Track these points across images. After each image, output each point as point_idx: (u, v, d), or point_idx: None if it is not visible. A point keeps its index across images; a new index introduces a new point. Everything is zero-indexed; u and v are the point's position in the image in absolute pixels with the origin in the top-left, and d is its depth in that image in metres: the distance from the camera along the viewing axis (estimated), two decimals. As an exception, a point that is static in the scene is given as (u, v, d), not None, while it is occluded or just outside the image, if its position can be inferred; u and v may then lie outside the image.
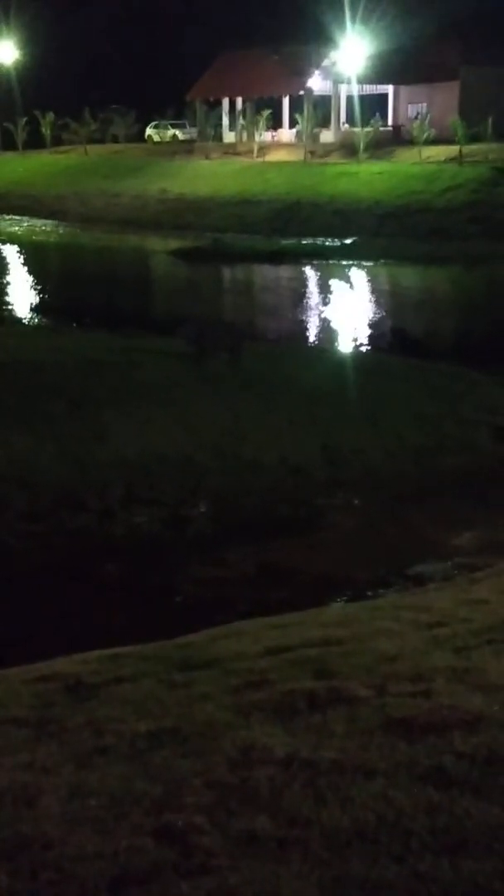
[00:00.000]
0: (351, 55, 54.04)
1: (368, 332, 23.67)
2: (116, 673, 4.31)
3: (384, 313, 26.59)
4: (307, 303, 28.70)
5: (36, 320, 24.75)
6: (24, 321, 24.27)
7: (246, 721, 3.50)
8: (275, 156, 54.24)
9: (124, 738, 3.45)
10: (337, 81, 55.79)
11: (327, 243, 40.76)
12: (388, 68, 54.13)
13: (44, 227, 49.91)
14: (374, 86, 55.17)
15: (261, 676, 3.97)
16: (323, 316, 26.23)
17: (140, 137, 63.80)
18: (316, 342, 22.77)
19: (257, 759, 3.17)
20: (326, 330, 24.17)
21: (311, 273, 34.82)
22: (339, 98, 56.34)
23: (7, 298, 29.02)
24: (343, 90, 56.09)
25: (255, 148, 54.64)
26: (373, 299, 29.45)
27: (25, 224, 51.22)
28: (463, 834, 2.69)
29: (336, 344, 22.39)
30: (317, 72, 56.36)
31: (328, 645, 4.42)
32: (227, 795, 2.96)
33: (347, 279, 32.99)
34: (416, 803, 2.85)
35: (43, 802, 2.97)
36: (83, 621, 8.68)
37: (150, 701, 3.83)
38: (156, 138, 64.18)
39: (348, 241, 40.44)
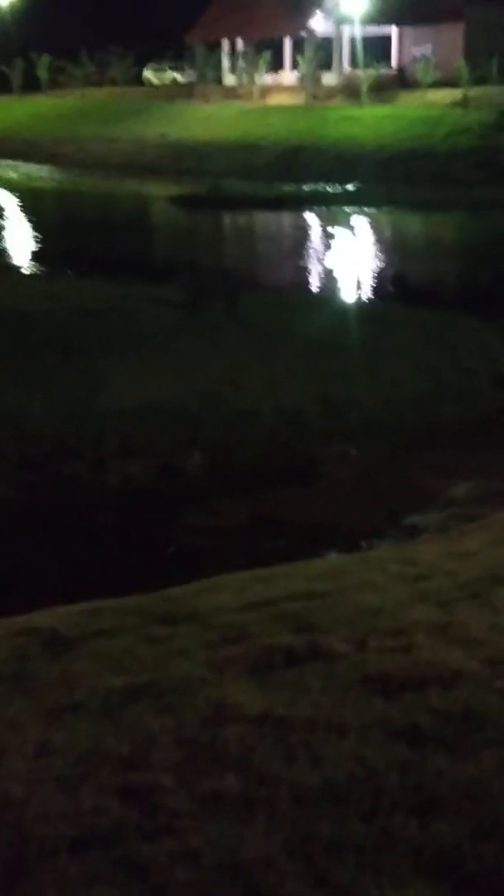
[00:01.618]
0: (354, -5, 52.95)
1: (369, 280, 23.41)
2: (96, 627, 4.26)
3: (386, 261, 26.29)
4: (307, 250, 28.38)
5: (31, 268, 24.50)
6: (19, 268, 24.02)
7: (220, 677, 3.44)
8: (276, 99, 53.37)
9: (97, 694, 3.40)
10: (339, 22, 54.69)
11: (329, 189, 40.24)
12: (391, 8, 53.02)
13: (41, 173, 49.30)
14: (378, 27, 54.07)
15: (240, 631, 3.91)
16: (323, 264, 25.95)
17: (138, 80, 62.73)
18: (316, 291, 22.53)
19: (230, 716, 3.11)
20: (327, 278, 23.92)
21: (312, 219, 34.41)
22: (341, 39, 55.27)
23: (2, 245, 28.72)
24: (346, 31, 55.00)
25: (256, 91, 53.75)
26: (375, 247, 29.11)
27: (22, 169, 50.57)
28: (434, 793, 2.63)
29: (336, 292, 22.16)
30: (319, 12, 55.22)
31: (311, 598, 4.36)
32: (197, 754, 2.91)
33: (349, 226, 32.60)
34: (388, 762, 2.79)
35: (7, 760, 2.92)
36: (73, 572, 8.65)
37: (127, 656, 3.77)
38: (154, 81, 63.09)
39: (351, 187, 39.93)
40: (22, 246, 28.45)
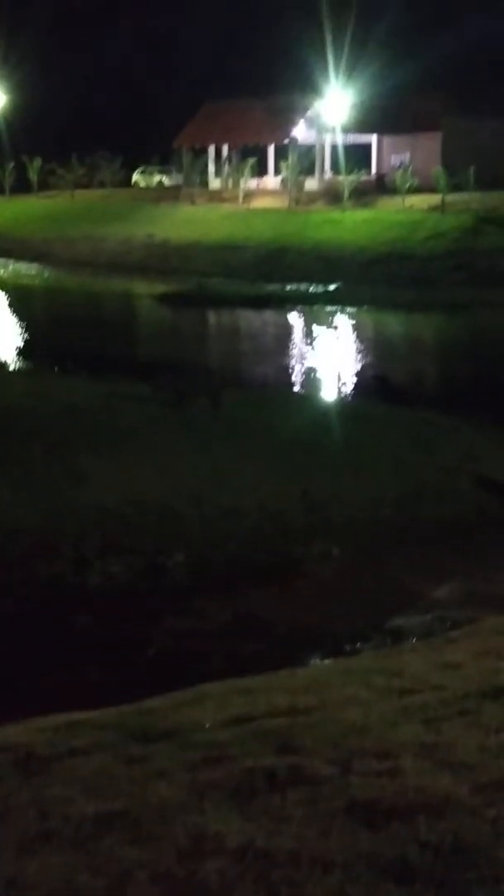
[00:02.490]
0: (335, 105, 54.75)
1: (351, 378, 23.64)
2: (71, 744, 4.10)
3: (367, 360, 26.59)
4: (290, 348, 28.70)
5: (18, 364, 24.62)
6: (5, 365, 24.13)
7: (200, 803, 3.29)
8: (260, 203, 54.66)
9: (70, 822, 3.24)
10: (321, 130, 56.45)
11: (311, 289, 40.94)
12: (371, 118, 54.86)
13: (30, 271, 50.01)
14: (358, 135, 55.82)
15: (221, 751, 3.76)
16: (306, 362, 26.21)
17: (127, 183, 64.25)
18: (298, 388, 22.70)
19: (209, 848, 2.97)
20: (309, 376, 24.13)
21: (295, 319, 34.90)
22: (323, 147, 56.96)
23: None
24: (327, 139, 56.73)
25: (241, 195, 55.06)
26: (356, 345, 29.48)
27: (11, 267, 51.31)
28: (424, 939, 2.49)
29: (318, 390, 22.33)
30: (302, 121, 57.04)
31: (294, 714, 4.22)
32: (174, 891, 2.76)
33: (331, 325, 33.06)
34: (375, 902, 2.65)
35: (-26, 899, 2.76)
36: (51, 677, 8.44)
37: (102, 778, 3.62)
38: (142, 184, 64.66)
39: (332, 287, 40.65)
40: (9, 342, 28.65)
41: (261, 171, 57.78)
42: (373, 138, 56.88)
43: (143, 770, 3.66)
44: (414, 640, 8.33)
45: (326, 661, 8.28)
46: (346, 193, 50.22)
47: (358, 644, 9.11)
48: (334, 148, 55.38)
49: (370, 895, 2.68)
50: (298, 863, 2.84)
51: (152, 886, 2.79)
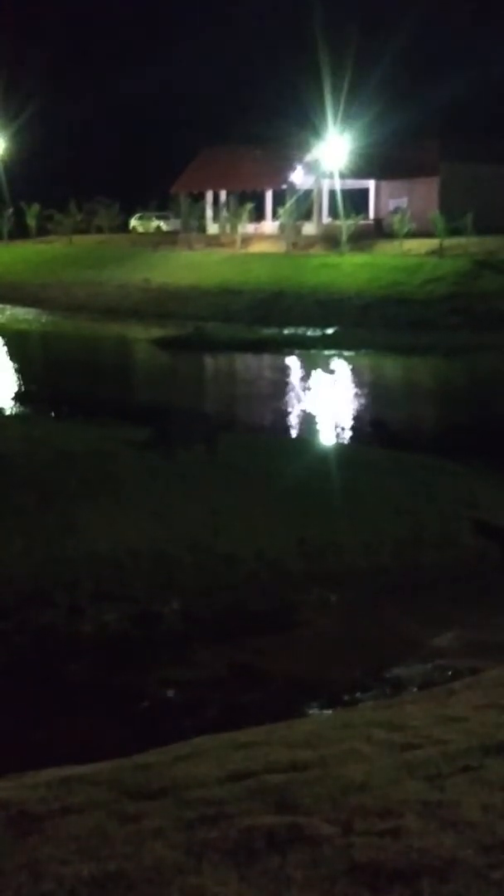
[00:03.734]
0: (333, 151, 55.39)
1: (348, 423, 23.64)
2: (64, 802, 3.99)
3: (364, 404, 26.62)
4: (288, 393, 28.74)
5: (13, 409, 24.61)
6: (1, 410, 24.12)
7: (198, 864, 3.19)
8: (257, 247, 55.10)
9: (65, 885, 3.14)
10: (319, 176, 57.05)
11: (309, 333, 41.12)
12: (369, 163, 55.50)
13: (27, 316, 50.24)
14: (356, 180, 56.43)
15: (218, 809, 3.66)
16: (303, 406, 26.23)
17: (124, 228, 64.82)
18: (295, 433, 22.68)
19: (206, 913, 2.87)
20: (306, 421, 24.12)
21: (292, 363, 35.00)
22: (321, 192, 57.55)
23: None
24: (325, 184, 57.33)
25: (238, 239, 55.51)
26: (353, 390, 29.53)
27: (8, 312, 51.56)
28: None
29: (315, 435, 22.30)
30: (299, 166, 57.65)
31: (293, 770, 4.12)
32: None
33: (328, 369, 33.15)
34: None
35: None
36: (43, 728, 8.30)
37: (97, 837, 3.52)
38: (140, 229, 65.22)
39: (330, 331, 40.84)
40: (6, 387, 28.67)
41: (258, 216, 58.32)
42: (370, 183, 57.51)
43: (139, 829, 3.56)
44: (414, 690, 8.22)
45: (325, 713, 8.15)
46: (344, 237, 50.64)
47: (357, 694, 8.99)
48: (332, 192, 55.96)
49: None
50: (299, 930, 2.74)
51: None
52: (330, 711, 8.08)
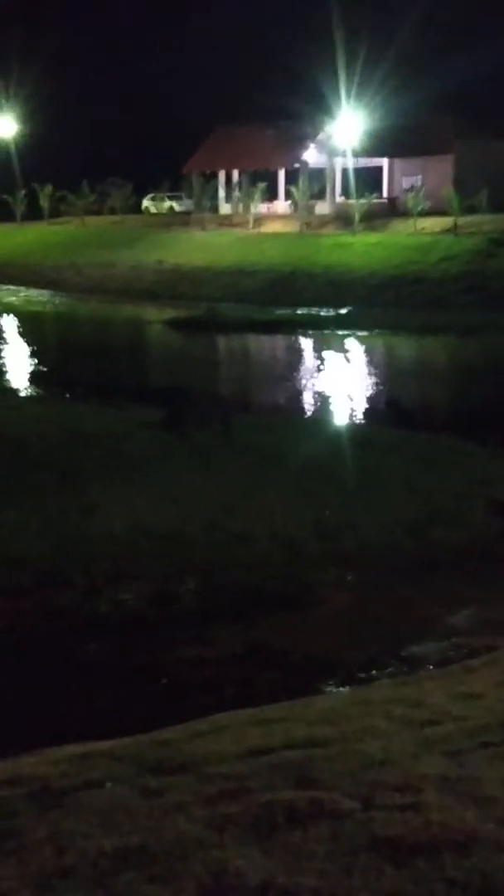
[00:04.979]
0: (346, 129, 55.03)
1: (362, 403, 23.59)
2: (86, 776, 4.03)
3: (378, 384, 26.56)
4: (301, 374, 28.69)
5: (28, 391, 24.66)
6: (16, 392, 24.18)
7: (220, 838, 3.22)
8: (270, 227, 54.88)
9: (88, 858, 3.17)
10: (332, 155, 56.72)
11: (322, 313, 41.00)
12: (382, 142, 55.12)
13: (41, 297, 50.23)
14: (369, 158, 56.09)
15: (239, 784, 3.69)
16: (317, 387, 26.18)
17: (137, 209, 64.63)
18: (309, 414, 22.66)
19: (229, 885, 2.89)
20: (320, 401, 24.09)
21: (305, 343, 34.92)
22: (334, 171, 57.23)
23: (1, 369, 28.98)
24: (338, 163, 57.00)
25: (251, 219, 55.30)
26: (367, 370, 29.45)
27: (22, 294, 51.57)
28: None
29: (329, 416, 22.27)
30: (312, 145, 57.33)
31: (313, 746, 4.15)
32: (195, 931, 2.69)
33: (342, 349, 33.07)
34: (401, 944, 2.57)
35: (-10, 940, 2.69)
36: (63, 707, 8.36)
37: (119, 812, 3.55)
38: (152, 210, 65.04)
39: (343, 311, 40.69)
40: (20, 369, 28.73)
41: (271, 195, 58.06)
42: (384, 161, 57.14)
43: (161, 803, 3.60)
44: (431, 668, 8.24)
45: (343, 691, 8.18)
46: (357, 217, 50.37)
47: (373, 672, 9.01)
48: (345, 171, 55.63)
49: (396, 937, 2.60)
50: (321, 902, 2.77)
51: (172, 926, 2.72)
52: (347, 689, 8.11)
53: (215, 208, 60.09)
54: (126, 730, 5.78)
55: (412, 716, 4.55)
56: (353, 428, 19.81)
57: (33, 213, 65.00)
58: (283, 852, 3.11)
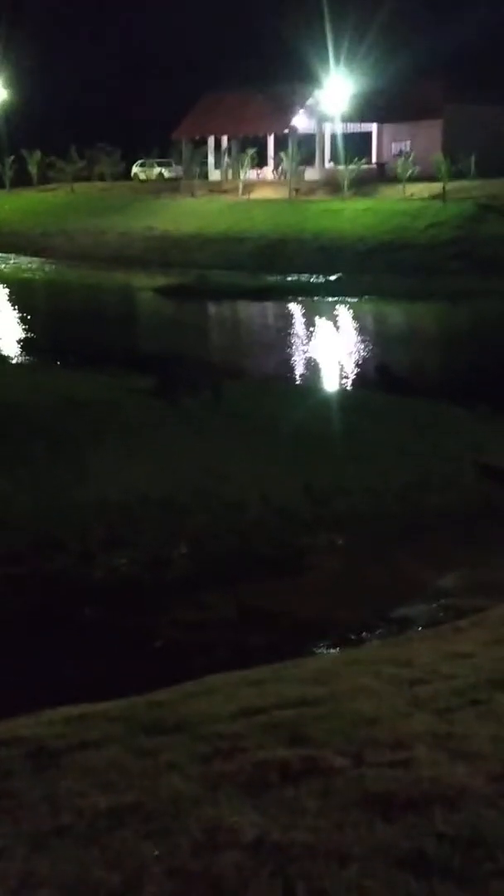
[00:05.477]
0: (335, 94, 54.59)
1: (353, 369, 23.59)
2: (82, 737, 4.08)
3: (369, 350, 26.54)
4: (291, 340, 28.64)
5: (19, 358, 24.59)
6: (7, 360, 24.10)
7: (214, 796, 3.27)
8: (260, 193, 54.53)
9: (84, 816, 3.22)
10: (321, 120, 56.30)
11: (312, 280, 40.87)
12: (371, 107, 54.72)
13: (30, 265, 49.92)
14: (358, 124, 55.69)
15: (232, 743, 3.74)
16: (307, 353, 26.16)
17: (126, 176, 64.13)
18: (300, 380, 22.66)
19: (224, 841, 2.95)
20: (311, 367, 24.08)
21: (295, 310, 34.83)
22: (323, 136, 56.82)
23: (-9, 336, 28.88)
24: (327, 128, 56.59)
25: (241, 186, 54.93)
26: (357, 336, 29.41)
27: (12, 262, 51.24)
28: (443, 931, 2.47)
29: (320, 382, 22.28)
30: (301, 111, 56.88)
31: (305, 706, 4.20)
32: (190, 886, 2.74)
33: (332, 316, 33.00)
34: (393, 895, 2.63)
35: (-11, 894, 2.74)
36: (58, 670, 8.43)
37: (114, 771, 3.60)
38: (142, 176, 64.54)
39: (333, 278, 40.56)
40: (11, 337, 28.61)
41: (261, 161, 57.65)
42: (373, 127, 56.74)
43: (155, 762, 3.65)
44: (420, 630, 8.32)
45: (334, 652, 8.27)
46: (346, 183, 50.08)
47: (364, 634, 9.10)
48: (334, 137, 55.25)
49: (388, 888, 2.66)
50: (314, 856, 2.82)
51: (168, 881, 2.77)
52: (338, 651, 8.18)
53: (205, 175, 59.66)
54: (121, 693, 5.83)
55: (402, 675, 4.60)
56: (344, 394, 19.83)
57: (22, 180, 64.42)
58: (277, 809, 3.16)
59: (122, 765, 3.67)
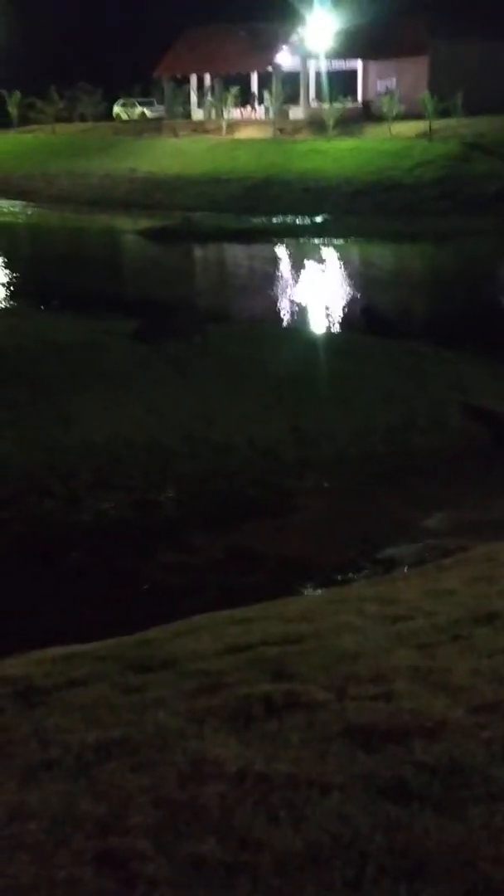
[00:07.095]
0: (319, 31, 53.60)
1: (339, 311, 23.50)
2: (69, 675, 4.14)
3: (355, 292, 26.42)
4: (277, 282, 28.48)
5: (2, 304, 24.39)
6: (-11, 304, 23.90)
7: (199, 730, 3.34)
8: (244, 133, 53.78)
9: (71, 751, 3.29)
10: (305, 57, 55.33)
11: (298, 221, 40.49)
12: (356, 43, 53.74)
13: (12, 208, 49.26)
14: (343, 61, 54.75)
15: (217, 679, 3.81)
16: (293, 296, 26.03)
17: (108, 115, 63.04)
18: (286, 323, 22.57)
19: (209, 773, 3.01)
20: (297, 310, 23.98)
21: (281, 252, 34.57)
22: (307, 74, 55.89)
23: (-27, 281, 28.60)
24: (312, 66, 55.64)
25: (224, 125, 54.15)
26: (344, 278, 29.26)
27: (-8, 205, 50.55)
28: (422, 856, 2.54)
29: (306, 324, 22.20)
30: (285, 48, 55.85)
31: (289, 643, 4.27)
32: (176, 815, 2.80)
33: (318, 257, 32.78)
34: (373, 822, 2.70)
35: (-21, 826, 2.81)
36: (47, 612, 8.50)
37: (102, 707, 3.66)
38: (124, 116, 63.45)
39: (319, 219, 40.21)
40: (-7, 281, 28.35)
41: (244, 100, 56.75)
42: (358, 64, 55.79)
43: (142, 699, 3.71)
44: (406, 569, 8.41)
45: (319, 591, 8.36)
46: (331, 122, 49.42)
47: (350, 574, 9.19)
48: (318, 75, 54.38)
49: (368, 816, 2.73)
50: (297, 786, 2.89)
51: (154, 811, 2.84)
52: (323, 590, 8.28)
53: (188, 114, 58.72)
54: (109, 634, 5.90)
55: (385, 612, 4.67)
56: (330, 336, 19.78)
57: (2, 121, 63.32)
58: (260, 741, 3.22)
59: (109, 701, 3.73)
